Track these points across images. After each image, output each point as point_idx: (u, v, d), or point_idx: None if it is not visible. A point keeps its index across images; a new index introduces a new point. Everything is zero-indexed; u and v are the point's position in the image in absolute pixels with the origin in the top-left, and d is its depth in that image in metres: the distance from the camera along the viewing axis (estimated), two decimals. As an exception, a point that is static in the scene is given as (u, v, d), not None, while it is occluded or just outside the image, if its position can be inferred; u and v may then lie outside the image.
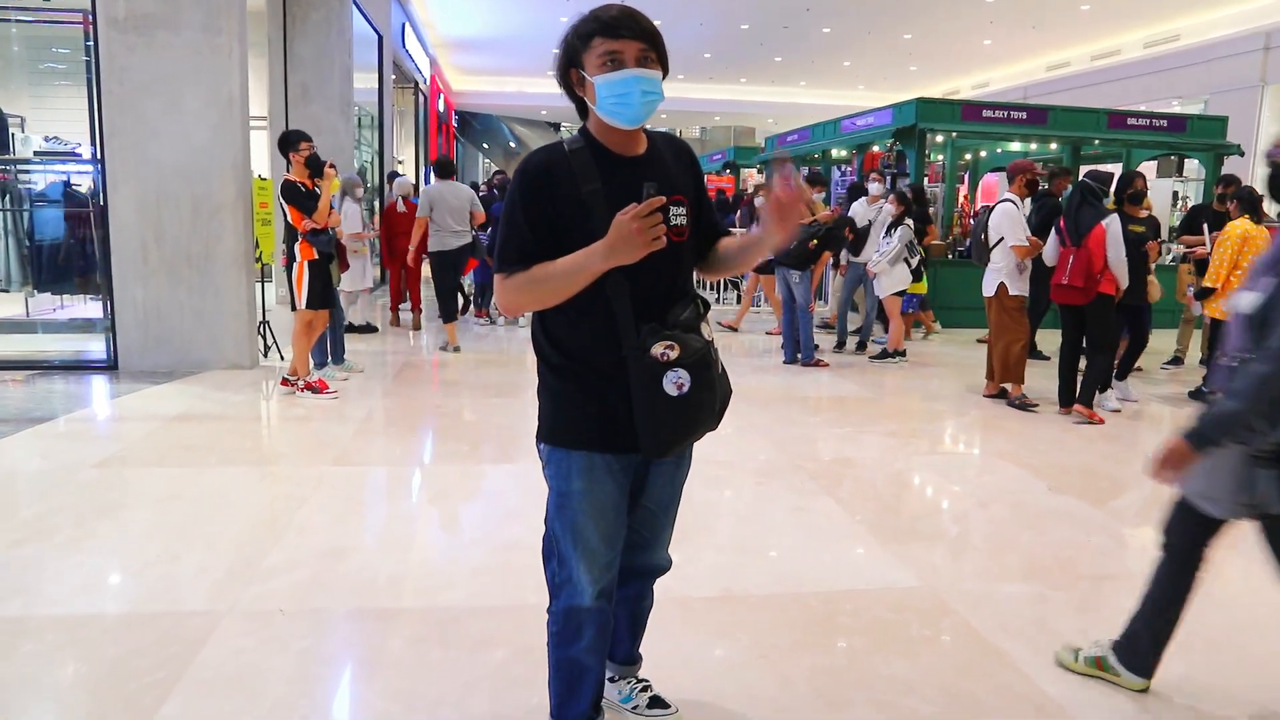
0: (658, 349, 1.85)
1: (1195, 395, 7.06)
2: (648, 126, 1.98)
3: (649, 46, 1.84)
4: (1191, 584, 2.53)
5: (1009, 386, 6.68)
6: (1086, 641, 2.83)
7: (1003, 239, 6.50)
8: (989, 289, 6.63)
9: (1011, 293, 6.51)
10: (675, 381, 1.85)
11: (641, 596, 2.30)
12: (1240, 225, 6.31)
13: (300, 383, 6.37)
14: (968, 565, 3.67)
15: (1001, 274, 6.52)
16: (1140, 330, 6.95)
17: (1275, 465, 2.20)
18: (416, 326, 10.02)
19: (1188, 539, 2.51)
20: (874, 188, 9.47)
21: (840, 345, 9.23)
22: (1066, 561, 3.74)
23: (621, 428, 1.92)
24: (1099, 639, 2.77)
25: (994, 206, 6.75)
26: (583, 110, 1.95)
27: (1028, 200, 7.08)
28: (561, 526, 2.01)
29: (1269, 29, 16.06)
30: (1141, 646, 2.62)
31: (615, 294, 1.86)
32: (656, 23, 1.89)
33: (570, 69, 1.90)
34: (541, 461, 2.05)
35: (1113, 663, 2.67)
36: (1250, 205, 6.46)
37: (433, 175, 8.32)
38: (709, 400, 1.94)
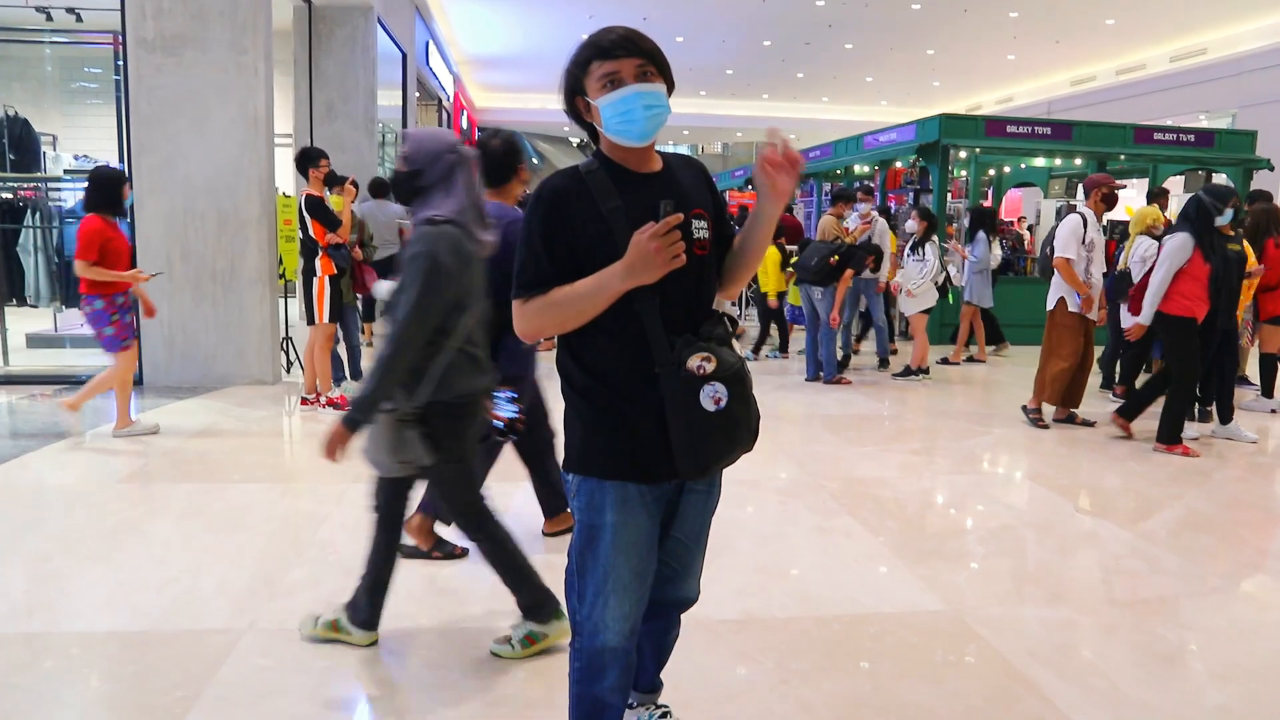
0: (694, 361, 1.80)
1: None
2: (660, 148, 1.97)
3: (647, 60, 1.84)
4: (397, 539, 2.92)
5: (1044, 404, 6.49)
6: (325, 607, 3.03)
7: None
8: (1051, 302, 6.40)
9: (1069, 309, 6.24)
10: (713, 396, 1.80)
11: (668, 629, 2.25)
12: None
13: (322, 399, 6.40)
14: (993, 588, 3.61)
15: (1061, 289, 6.27)
16: (1231, 358, 6.38)
17: (418, 426, 2.63)
18: None
19: (388, 502, 2.87)
20: (862, 207, 9.06)
21: (845, 362, 8.90)
22: (1095, 585, 3.67)
23: (656, 456, 1.87)
24: (336, 604, 2.97)
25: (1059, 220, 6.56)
26: (595, 137, 1.94)
27: (1105, 215, 6.66)
28: (591, 561, 1.94)
29: (1298, 42, 15.90)
30: (363, 604, 2.90)
31: (645, 309, 1.81)
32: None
33: (575, 97, 1.91)
34: (569, 493, 1.98)
35: (345, 624, 2.92)
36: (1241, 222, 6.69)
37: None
38: (745, 417, 1.89)
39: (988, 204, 12.45)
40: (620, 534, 1.91)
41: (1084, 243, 6.13)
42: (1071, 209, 12.44)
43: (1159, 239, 7.16)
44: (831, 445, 5.93)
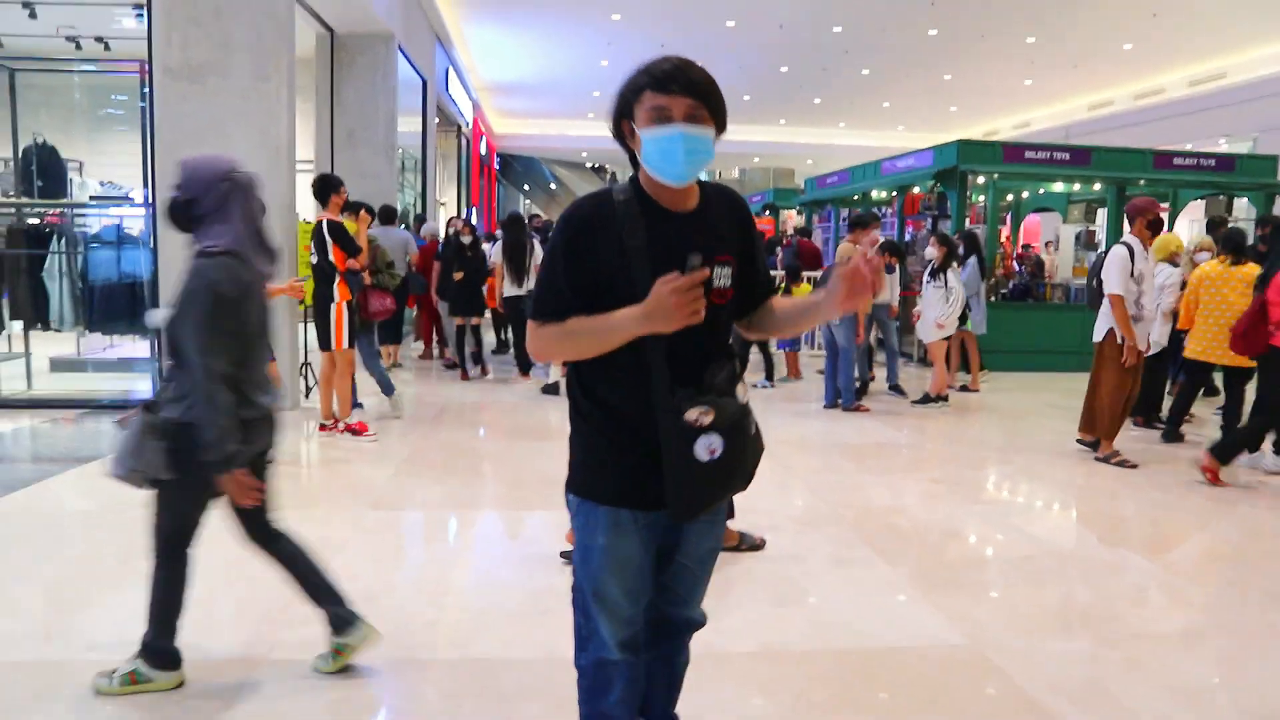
0: (692, 414, 1.81)
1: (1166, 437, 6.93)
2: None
3: (700, 103, 1.81)
4: (181, 573, 2.85)
5: (1101, 440, 6.32)
6: (118, 662, 2.85)
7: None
8: (1098, 334, 6.18)
9: (1119, 341, 6.00)
10: (708, 447, 1.82)
11: (677, 653, 2.24)
12: (1206, 266, 6.65)
13: (340, 424, 6.42)
14: (1014, 620, 3.56)
15: (1112, 320, 6.02)
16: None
17: (164, 440, 2.62)
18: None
19: (171, 538, 2.83)
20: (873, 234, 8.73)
21: (863, 389, 8.70)
22: (1118, 617, 3.61)
23: (650, 485, 1.88)
24: (131, 657, 2.81)
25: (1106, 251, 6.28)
26: (634, 162, 1.93)
27: (1153, 242, 6.42)
28: (586, 579, 1.99)
29: (1319, 67, 15.83)
30: (159, 642, 2.80)
31: (653, 354, 1.82)
32: (696, 63, 1.85)
33: (622, 120, 1.89)
34: (570, 512, 2.04)
35: (145, 672, 2.78)
36: (1233, 246, 6.65)
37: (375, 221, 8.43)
38: (740, 466, 1.91)
39: (973, 224, 12.42)
40: (610, 555, 1.95)
41: (1132, 275, 5.93)
42: (1091, 234, 12.31)
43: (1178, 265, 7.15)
44: (850, 474, 5.89)
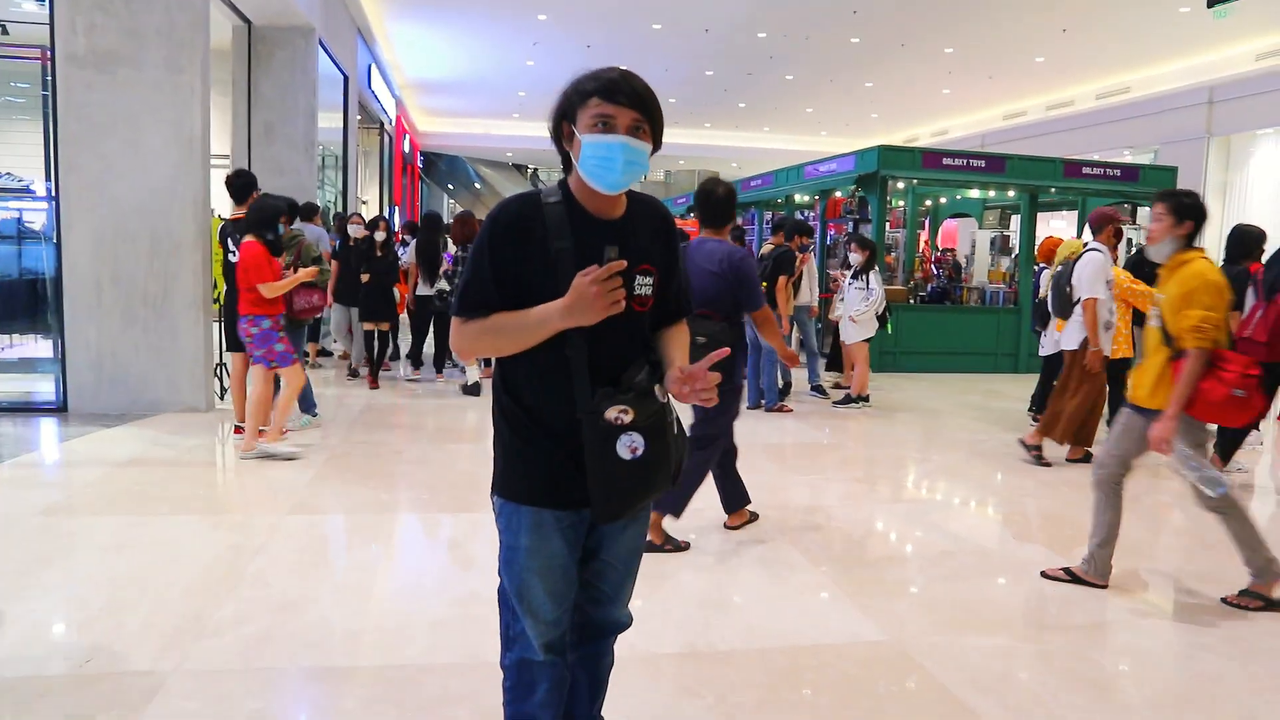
0: (612, 413, 1.83)
1: None
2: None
3: (644, 119, 1.85)
4: None
5: (1039, 432, 6.36)
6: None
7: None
8: (1070, 343, 6.16)
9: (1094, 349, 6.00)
10: (629, 445, 1.84)
11: (601, 655, 2.24)
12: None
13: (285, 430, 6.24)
14: (934, 617, 3.64)
15: (1083, 327, 6.03)
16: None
17: None
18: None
19: None
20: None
21: (785, 390, 8.77)
22: (1032, 612, 3.73)
23: (572, 485, 1.90)
24: None
25: (1079, 257, 6.21)
26: (567, 164, 1.94)
27: (1119, 249, 6.61)
28: (510, 580, 1.99)
29: (1212, 84, 16.63)
30: None
31: (574, 354, 1.85)
32: (621, 68, 1.88)
33: (563, 121, 1.91)
34: (494, 513, 2.03)
35: None
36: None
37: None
38: (663, 464, 1.92)
39: (893, 228, 12.72)
40: (533, 557, 1.95)
41: (1106, 281, 6.03)
42: (1006, 239, 12.66)
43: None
44: (773, 474, 5.96)
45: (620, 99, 1.82)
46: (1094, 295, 5.93)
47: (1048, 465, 6.26)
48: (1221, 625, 3.61)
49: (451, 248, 9.16)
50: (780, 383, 8.42)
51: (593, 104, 1.83)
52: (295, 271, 6.78)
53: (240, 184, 6.34)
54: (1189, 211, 3.77)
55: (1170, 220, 3.79)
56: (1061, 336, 6.33)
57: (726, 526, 4.65)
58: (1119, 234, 6.29)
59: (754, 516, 4.77)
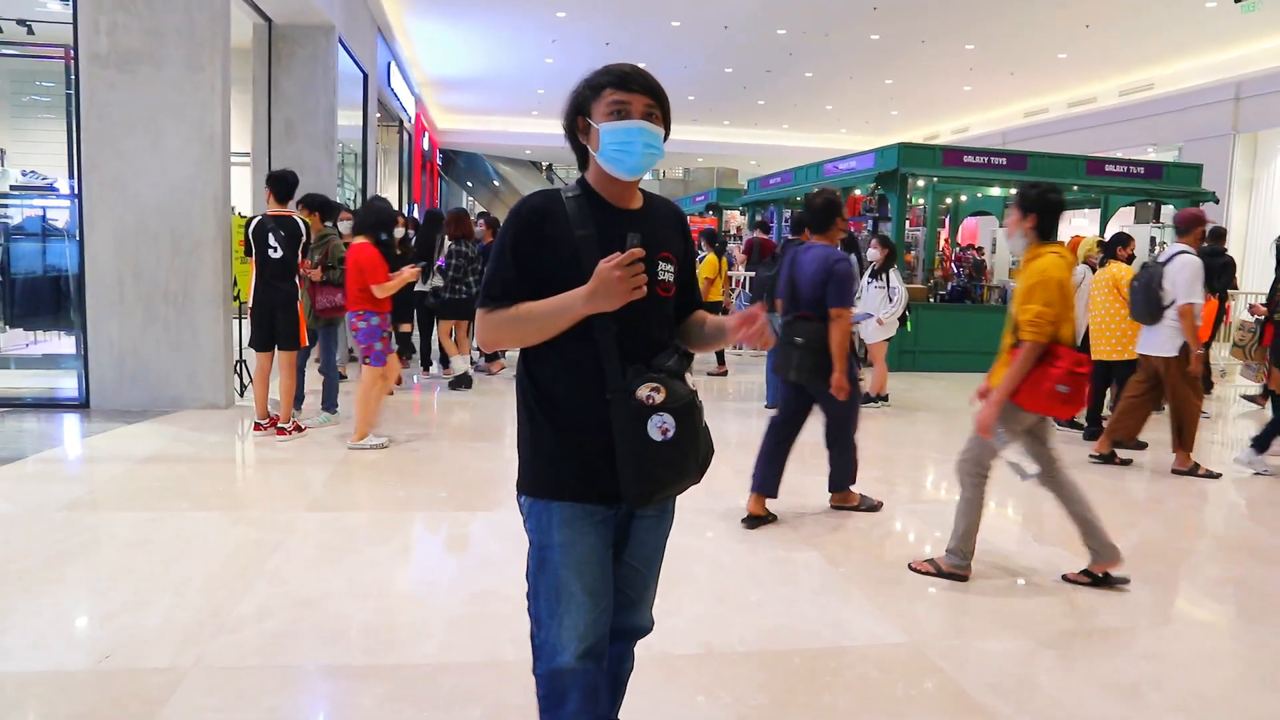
0: (643, 391, 1.83)
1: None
2: (642, 186, 2.02)
3: (655, 103, 1.92)
4: None
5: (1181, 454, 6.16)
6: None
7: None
8: (1168, 349, 5.94)
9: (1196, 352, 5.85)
10: (660, 426, 1.84)
11: (622, 659, 2.22)
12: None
13: (281, 425, 6.30)
14: (953, 619, 3.61)
15: (1179, 333, 5.84)
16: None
17: None
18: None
19: None
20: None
21: None
22: (1053, 616, 3.69)
23: (603, 477, 1.90)
24: None
25: (1167, 260, 5.97)
26: (583, 161, 1.99)
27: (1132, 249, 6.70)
28: (544, 583, 1.94)
29: (1239, 80, 16.40)
30: None
31: (602, 336, 1.86)
32: (640, 65, 1.94)
33: (578, 116, 1.96)
34: (522, 515, 2.00)
35: None
36: (1108, 250, 7.12)
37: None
38: (693, 449, 1.92)
39: (913, 226, 12.64)
40: (569, 552, 1.92)
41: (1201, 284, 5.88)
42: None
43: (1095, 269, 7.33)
44: (791, 474, 5.88)
45: (633, 86, 1.90)
46: (1192, 300, 5.78)
47: (1128, 463, 6.35)
48: (1248, 632, 3.56)
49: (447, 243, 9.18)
50: None
51: (607, 94, 1.90)
52: (321, 272, 6.88)
53: (290, 184, 6.37)
54: (1032, 204, 3.83)
55: (1017, 214, 3.88)
56: (1145, 340, 6.13)
57: (748, 514, 4.72)
58: (1203, 235, 6.24)
59: (772, 517, 4.78)
